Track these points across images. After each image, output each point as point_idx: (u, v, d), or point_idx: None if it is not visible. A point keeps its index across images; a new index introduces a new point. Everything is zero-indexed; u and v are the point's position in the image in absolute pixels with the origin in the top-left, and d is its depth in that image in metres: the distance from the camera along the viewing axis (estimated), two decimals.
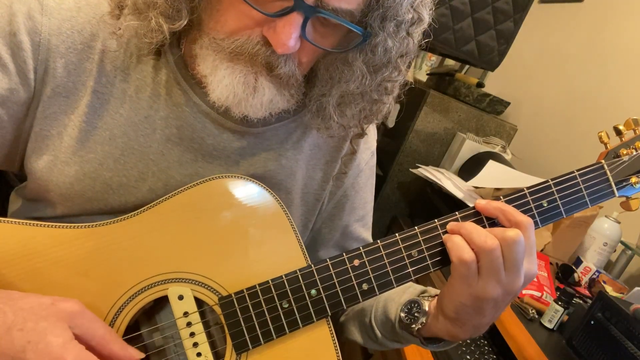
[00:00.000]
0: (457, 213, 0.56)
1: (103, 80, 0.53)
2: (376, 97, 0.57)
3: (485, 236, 0.50)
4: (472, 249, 0.51)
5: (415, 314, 0.58)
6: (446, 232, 0.55)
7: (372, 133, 0.73)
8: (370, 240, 0.75)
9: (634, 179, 0.57)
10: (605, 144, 0.59)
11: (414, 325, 0.58)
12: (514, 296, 0.51)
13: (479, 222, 0.55)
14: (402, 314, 0.59)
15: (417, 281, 0.60)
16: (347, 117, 0.58)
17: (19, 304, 0.41)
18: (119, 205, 0.56)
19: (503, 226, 0.53)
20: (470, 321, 0.53)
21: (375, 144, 0.74)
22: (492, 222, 0.55)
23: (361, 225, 0.74)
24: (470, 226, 0.52)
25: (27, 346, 0.39)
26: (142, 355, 0.48)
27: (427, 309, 0.58)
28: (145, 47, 0.53)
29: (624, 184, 0.58)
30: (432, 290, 0.61)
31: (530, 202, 0.56)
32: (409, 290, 0.63)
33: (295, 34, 0.46)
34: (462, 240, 0.52)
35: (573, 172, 0.57)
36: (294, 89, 0.55)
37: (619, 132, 0.59)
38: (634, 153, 0.58)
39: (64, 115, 0.53)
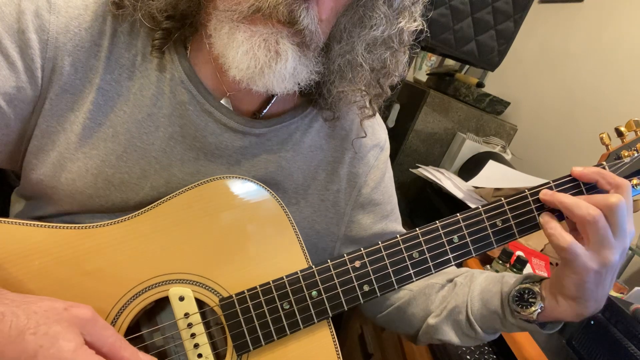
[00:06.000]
0: (551, 182, 0.56)
1: (108, 77, 0.53)
2: (396, 47, 0.57)
3: (587, 207, 0.50)
4: (575, 222, 0.52)
5: (530, 300, 0.58)
6: (447, 232, 0.55)
7: (379, 128, 0.73)
8: (403, 231, 0.74)
9: (635, 181, 0.56)
10: (607, 146, 0.59)
11: (533, 309, 0.57)
12: (625, 255, 0.52)
13: (576, 187, 0.56)
14: (514, 303, 0.58)
15: None
16: (372, 71, 0.58)
17: (33, 307, 0.41)
18: (120, 203, 0.56)
19: (602, 191, 0.54)
20: (593, 296, 0.53)
21: (384, 139, 0.73)
22: (589, 187, 0.56)
23: (392, 220, 0.74)
24: (569, 200, 0.52)
25: (39, 350, 0.38)
26: None
27: (540, 291, 0.57)
28: (151, 43, 0.53)
29: None
30: (534, 276, 0.61)
31: (531, 203, 0.56)
32: (503, 280, 0.62)
33: None
34: (558, 227, 0.53)
35: None
36: (315, 59, 0.53)
37: (620, 134, 0.59)
38: (636, 155, 0.58)
39: (70, 112, 0.53)
